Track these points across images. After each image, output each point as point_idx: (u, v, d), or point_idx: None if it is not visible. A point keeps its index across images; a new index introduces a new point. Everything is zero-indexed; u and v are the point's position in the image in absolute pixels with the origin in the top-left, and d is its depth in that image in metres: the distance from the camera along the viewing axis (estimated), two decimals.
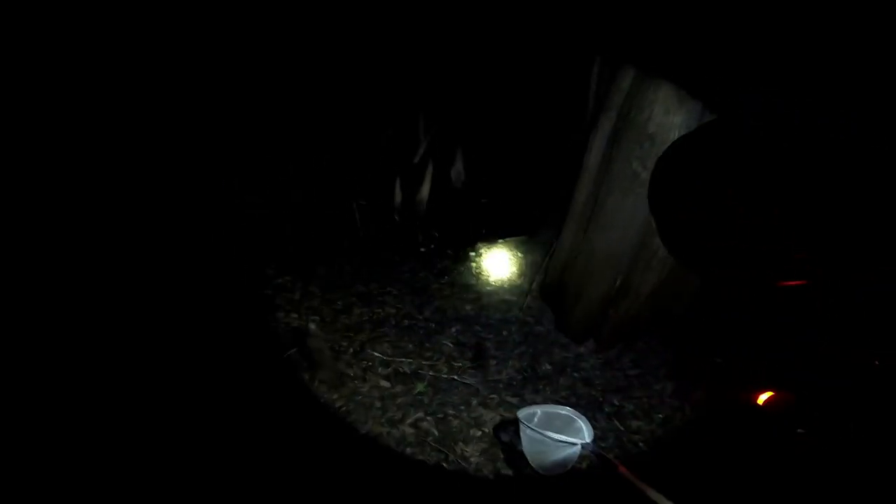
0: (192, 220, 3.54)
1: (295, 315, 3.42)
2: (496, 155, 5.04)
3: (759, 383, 2.65)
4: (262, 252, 3.89)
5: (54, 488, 2.02)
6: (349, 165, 4.57)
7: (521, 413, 2.74)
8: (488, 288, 4.08)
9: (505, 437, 2.68)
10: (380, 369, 3.15)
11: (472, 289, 4.06)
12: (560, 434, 2.66)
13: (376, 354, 3.24)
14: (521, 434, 2.66)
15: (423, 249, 4.55)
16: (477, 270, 4.26)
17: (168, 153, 3.43)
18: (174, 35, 3.28)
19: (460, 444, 2.71)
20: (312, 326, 3.06)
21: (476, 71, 4.44)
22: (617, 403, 3.06)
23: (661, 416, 3.00)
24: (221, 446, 2.35)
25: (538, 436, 2.62)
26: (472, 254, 4.44)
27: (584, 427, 2.71)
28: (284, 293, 3.60)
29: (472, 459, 2.63)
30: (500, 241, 4.60)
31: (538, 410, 2.78)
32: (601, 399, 3.08)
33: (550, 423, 2.71)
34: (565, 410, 2.78)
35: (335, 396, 2.91)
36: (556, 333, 3.57)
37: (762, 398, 2.65)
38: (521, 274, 4.19)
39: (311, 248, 4.10)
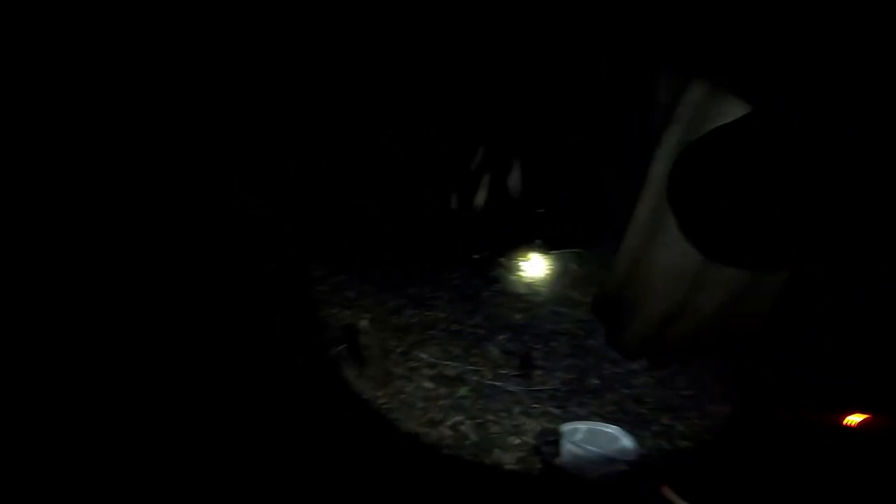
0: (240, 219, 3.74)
1: (348, 312, 3.54)
2: (554, 165, 4.99)
3: (837, 405, 2.44)
4: (314, 250, 4.06)
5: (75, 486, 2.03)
6: (400, 167, 4.64)
7: (565, 428, 2.68)
8: (539, 299, 4.03)
9: (545, 449, 2.63)
10: (425, 371, 3.19)
11: (523, 299, 4.03)
12: (604, 451, 2.58)
13: (423, 356, 3.29)
14: (562, 448, 2.61)
15: (475, 257, 4.57)
16: (529, 281, 4.23)
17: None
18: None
19: (497, 450, 2.68)
20: (364, 324, 3.16)
21: (538, 79, 4.42)
22: (667, 423, 2.91)
23: (712, 438, 2.82)
24: (264, 437, 2.47)
25: (580, 451, 2.56)
26: (525, 264, 4.40)
27: (629, 445, 2.61)
28: (340, 291, 3.75)
29: (508, 467, 2.60)
30: (554, 252, 4.53)
31: (582, 426, 2.72)
32: (650, 418, 2.94)
33: (594, 439, 2.64)
34: (610, 428, 2.69)
35: (380, 394, 2.98)
36: (607, 348, 3.46)
37: (853, 419, 2.43)
38: (574, 286, 4.11)
39: (366, 249, 4.24)
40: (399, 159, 4.66)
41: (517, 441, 2.73)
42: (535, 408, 2.97)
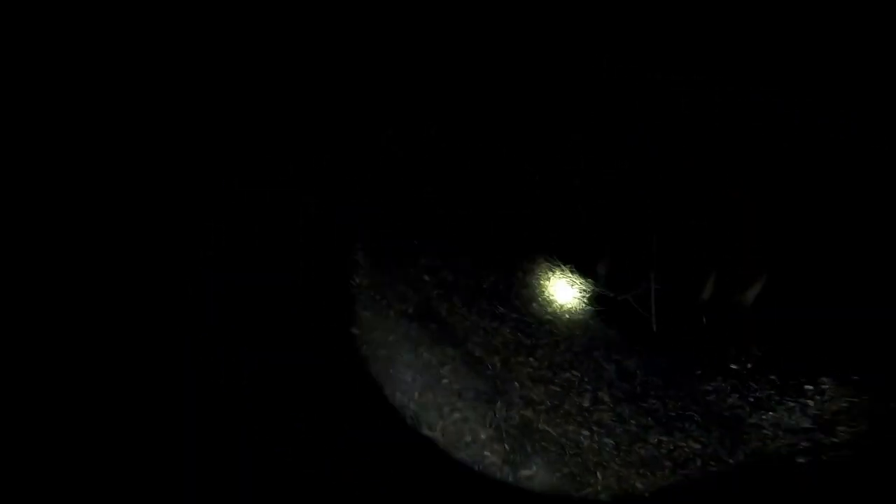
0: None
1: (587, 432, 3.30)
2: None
3: None
4: None
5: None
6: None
7: None
8: (832, 440, 3.14)
9: None
10: None
11: (807, 436, 3.20)
12: None
13: None
14: None
15: (734, 367, 3.85)
16: (816, 413, 3.35)
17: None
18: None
19: None
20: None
21: None
22: None
23: None
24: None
25: None
26: (809, 388, 3.51)
27: None
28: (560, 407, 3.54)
29: None
30: (856, 377, 3.51)
31: None
32: None
33: None
34: None
35: None
36: None
37: None
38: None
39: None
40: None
41: None
42: None
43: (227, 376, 2.59)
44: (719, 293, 4.27)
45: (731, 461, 3.09)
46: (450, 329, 3.76)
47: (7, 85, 2.65)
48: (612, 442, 3.16)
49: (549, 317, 4.22)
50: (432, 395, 3.08)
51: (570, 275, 4.71)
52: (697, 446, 3.18)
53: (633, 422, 3.34)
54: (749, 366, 3.82)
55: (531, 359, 3.72)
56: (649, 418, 3.37)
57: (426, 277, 4.08)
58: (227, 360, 2.65)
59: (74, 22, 2.84)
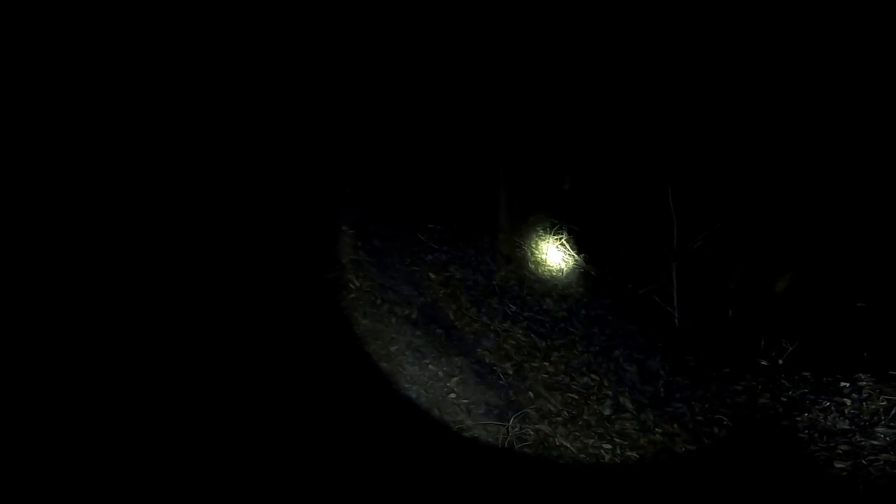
0: None
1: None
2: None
3: None
4: None
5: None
6: None
7: None
8: (872, 443, 2.92)
9: None
10: None
11: (845, 438, 2.98)
12: None
13: None
14: None
15: (764, 363, 3.61)
16: (853, 413, 3.12)
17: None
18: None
19: None
20: None
21: None
22: None
23: None
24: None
25: None
26: (845, 385, 3.28)
27: None
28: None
29: None
30: (894, 371, 3.27)
31: None
32: None
33: None
34: None
35: None
36: None
37: None
38: None
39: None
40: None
41: None
42: None
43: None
44: (747, 283, 4.00)
45: (763, 469, 2.87)
46: (458, 334, 3.53)
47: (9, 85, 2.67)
48: (635, 455, 2.95)
49: (564, 313, 3.98)
50: (438, 412, 2.87)
51: (585, 265, 4.44)
52: (727, 455, 2.96)
53: (658, 430, 3.13)
54: (780, 361, 3.59)
55: (546, 363, 3.49)
56: (675, 425, 3.16)
57: (432, 276, 3.84)
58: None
59: (78, 23, 2.90)
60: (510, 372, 3.36)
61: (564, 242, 4.46)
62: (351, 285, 3.41)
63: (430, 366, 3.18)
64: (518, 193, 4.28)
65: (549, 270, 4.35)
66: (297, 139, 3.84)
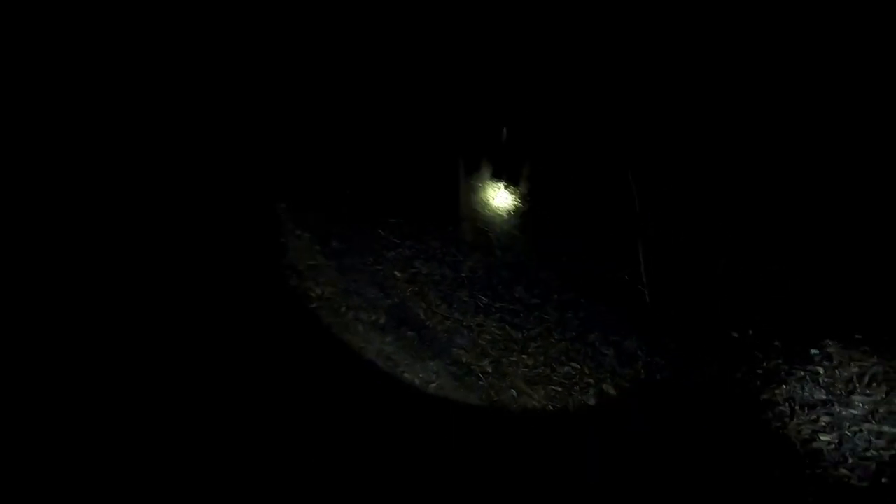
0: None
1: None
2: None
3: None
4: None
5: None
6: None
7: None
8: (852, 412, 2.97)
9: None
10: None
11: (825, 409, 3.01)
12: None
13: None
14: None
15: (735, 334, 3.61)
16: (828, 381, 3.16)
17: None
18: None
19: None
20: None
21: None
22: None
23: None
24: None
25: None
26: (816, 353, 3.32)
27: None
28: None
29: None
30: (860, 336, 3.34)
31: None
32: None
33: None
34: None
35: None
36: None
37: None
38: None
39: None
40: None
41: None
42: None
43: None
44: (711, 257, 3.98)
45: (754, 448, 2.85)
46: (430, 334, 3.29)
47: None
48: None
49: (536, 300, 3.82)
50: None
51: (551, 247, 4.29)
52: (716, 435, 2.92)
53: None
54: (751, 332, 3.60)
55: (525, 356, 3.33)
56: (662, 410, 3.09)
57: (397, 274, 3.55)
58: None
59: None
60: (489, 370, 3.17)
61: (530, 226, 4.29)
62: (311, 294, 3.08)
63: (404, 374, 2.93)
64: (479, 180, 4.05)
65: (517, 256, 4.16)
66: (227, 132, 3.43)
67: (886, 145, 3.67)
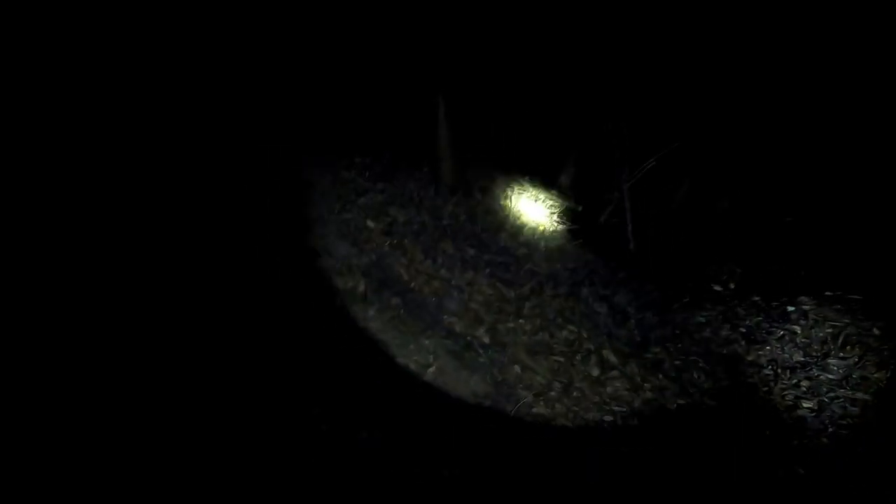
0: None
1: None
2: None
3: None
4: None
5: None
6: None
7: None
8: (828, 376, 3.06)
9: None
10: None
11: (805, 372, 3.08)
12: None
13: None
14: None
15: (717, 288, 3.55)
16: (805, 342, 3.22)
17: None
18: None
19: None
20: None
21: None
22: None
23: None
24: None
25: None
26: (792, 311, 3.36)
27: None
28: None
29: None
30: (831, 293, 3.42)
31: None
32: None
33: None
34: None
35: None
36: None
37: None
38: (877, 360, 3.09)
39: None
40: None
41: None
42: None
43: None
44: (691, 203, 3.78)
45: (747, 416, 2.84)
46: (416, 299, 2.72)
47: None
48: (636, 422, 2.69)
49: (524, 250, 3.37)
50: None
51: (532, 190, 3.78)
52: (713, 403, 2.87)
53: (647, 386, 2.88)
54: (732, 286, 3.55)
55: (521, 320, 2.93)
56: (660, 375, 2.95)
57: (370, 224, 2.83)
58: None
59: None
60: (486, 341, 2.73)
61: (512, 167, 3.69)
62: (274, 260, 2.28)
63: (397, 360, 2.37)
64: (459, 119, 3.30)
65: (499, 199, 3.60)
66: None
67: (861, 106, 3.58)
